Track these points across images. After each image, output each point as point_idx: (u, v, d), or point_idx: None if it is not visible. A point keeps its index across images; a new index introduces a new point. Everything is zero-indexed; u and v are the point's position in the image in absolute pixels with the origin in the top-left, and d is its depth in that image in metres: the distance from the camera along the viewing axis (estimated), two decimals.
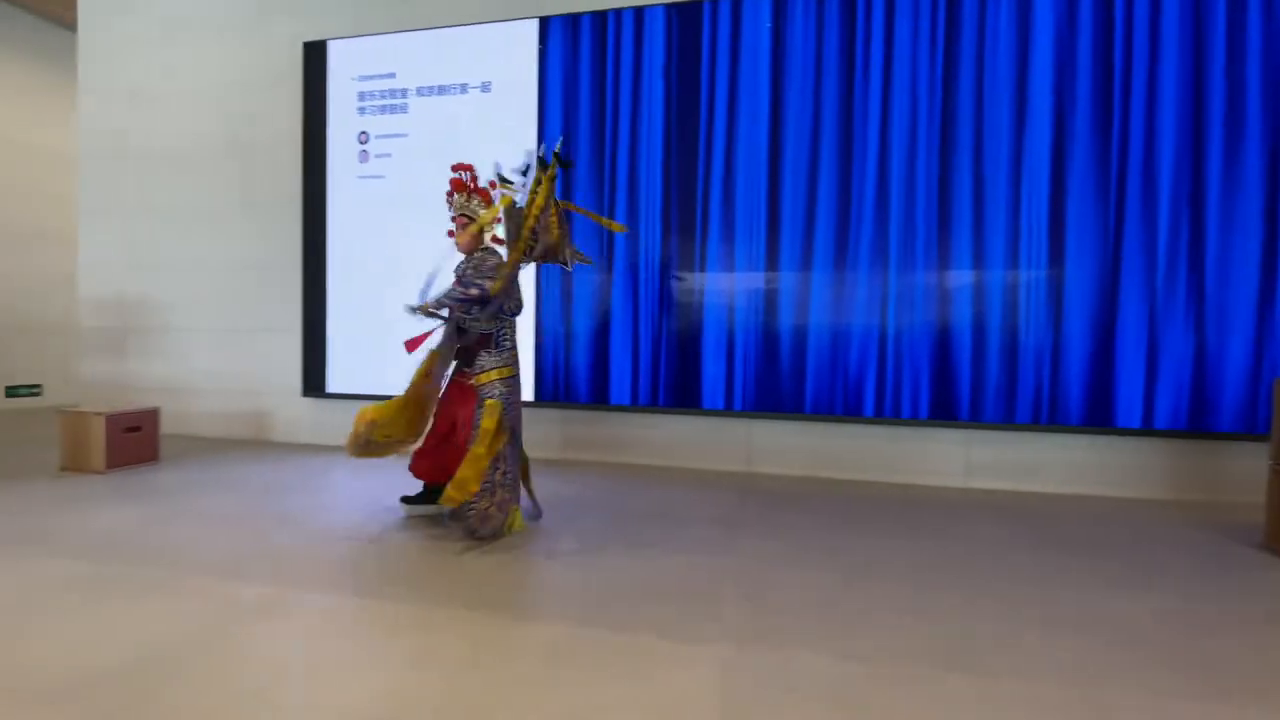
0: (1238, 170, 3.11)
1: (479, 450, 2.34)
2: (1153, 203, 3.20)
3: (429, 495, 2.69)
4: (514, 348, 2.54)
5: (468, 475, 2.31)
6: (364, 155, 4.25)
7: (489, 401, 2.41)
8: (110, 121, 4.87)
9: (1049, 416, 3.30)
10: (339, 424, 4.35)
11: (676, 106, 3.75)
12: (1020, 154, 3.32)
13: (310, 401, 4.41)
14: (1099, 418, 3.25)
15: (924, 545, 2.43)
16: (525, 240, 2.46)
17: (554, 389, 3.93)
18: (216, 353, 4.63)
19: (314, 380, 4.35)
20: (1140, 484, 3.27)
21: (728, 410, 3.69)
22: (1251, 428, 3.08)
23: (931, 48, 3.42)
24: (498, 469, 2.39)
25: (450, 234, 2.67)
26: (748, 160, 3.66)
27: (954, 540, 2.50)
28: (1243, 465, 3.11)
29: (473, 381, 2.48)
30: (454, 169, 2.62)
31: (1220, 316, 3.13)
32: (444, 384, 2.63)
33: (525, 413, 4.13)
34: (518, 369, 2.54)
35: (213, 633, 1.65)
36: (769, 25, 3.61)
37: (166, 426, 4.51)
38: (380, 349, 4.20)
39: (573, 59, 3.88)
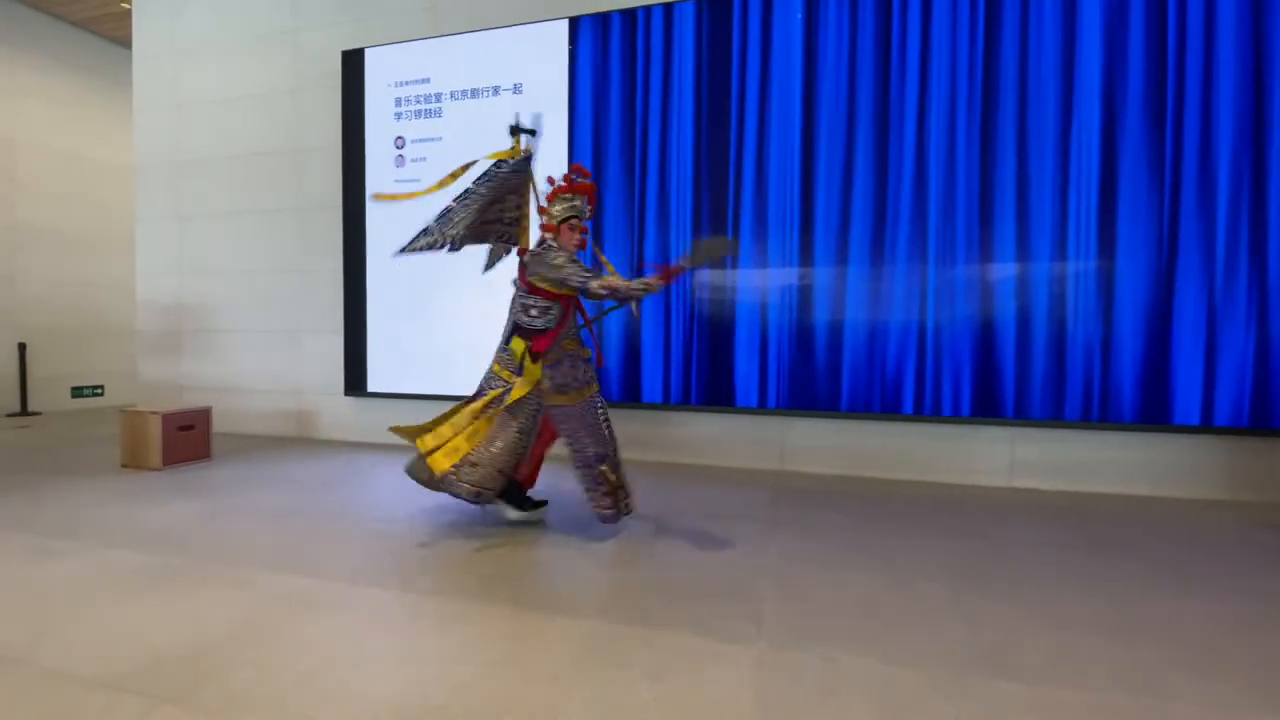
0: None
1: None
2: (1210, 188, 3.04)
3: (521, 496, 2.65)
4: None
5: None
6: (400, 160, 4.34)
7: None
8: (163, 133, 5.08)
9: (1099, 414, 3.17)
10: (380, 422, 4.47)
11: (707, 101, 3.72)
12: (1067, 140, 3.19)
13: (352, 400, 4.53)
14: (1154, 415, 3.11)
15: (967, 546, 2.37)
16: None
17: None
18: (264, 354, 4.80)
19: (355, 380, 4.47)
20: (1199, 484, 3.12)
21: (761, 408, 3.65)
22: None
23: (971, 31, 3.31)
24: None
25: (551, 229, 2.44)
26: (780, 154, 3.60)
27: (998, 542, 2.43)
28: None
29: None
30: (576, 171, 2.46)
31: None
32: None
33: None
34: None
35: (266, 622, 1.71)
36: (800, 16, 3.56)
37: (218, 425, 4.70)
38: (417, 349, 4.29)
39: (602, 57, 3.89)
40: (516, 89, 4.07)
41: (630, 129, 3.85)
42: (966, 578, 2.06)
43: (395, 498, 3.00)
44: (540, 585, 1.98)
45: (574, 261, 2.34)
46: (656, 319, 3.82)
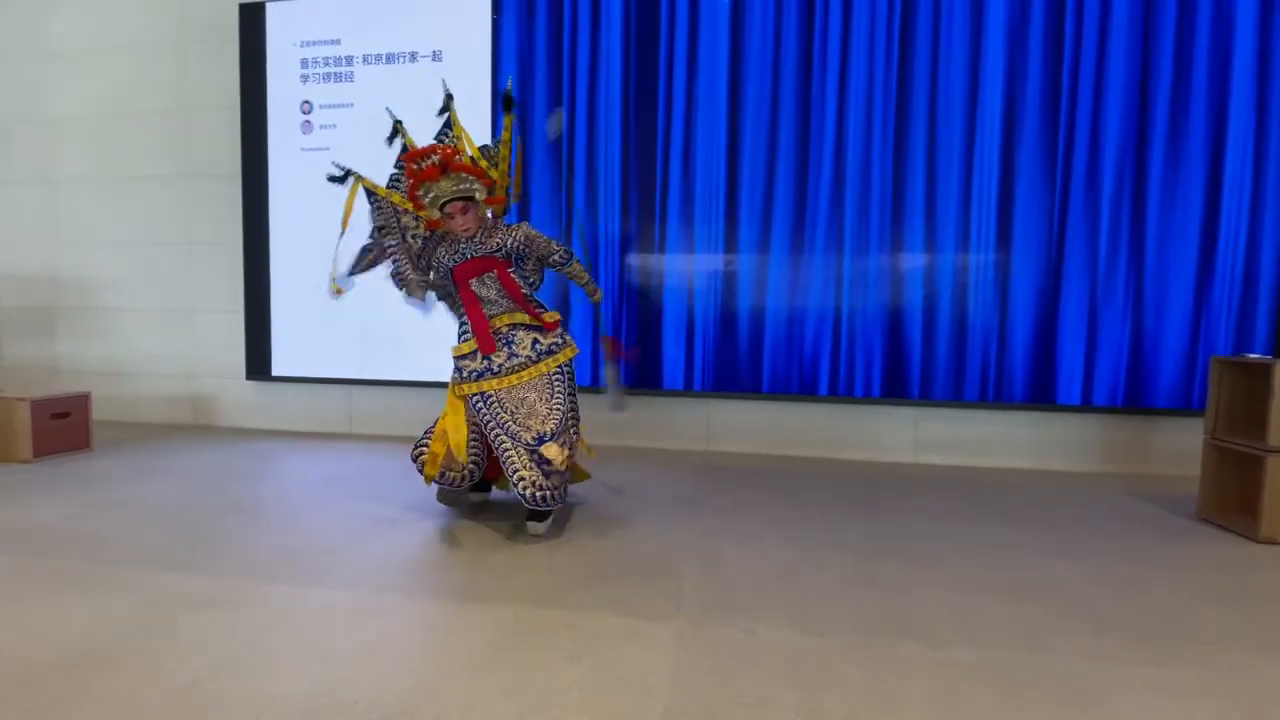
0: (1180, 158, 3.22)
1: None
2: (1096, 188, 3.30)
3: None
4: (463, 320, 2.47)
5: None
6: (307, 126, 4.05)
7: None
8: (27, 86, 4.51)
9: (995, 394, 3.42)
10: (285, 408, 4.20)
11: (635, 83, 3.68)
12: (972, 143, 3.38)
13: (255, 385, 4.24)
14: (1041, 395, 3.38)
15: (876, 519, 2.50)
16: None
17: None
18: (152, 334, 4.40)
19: (258, 362, 4.17)
20: (1080, 458, 3.42)
21: (688, 390, 3.71)
22: (1187, 404, 3.24)
23: (888, 38, 3.44)
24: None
25: (431, 224, 2.44)
26: (706, 140, 3.63)
27: (905, 514, 2.58)
28: (1177, 440, 3.26)
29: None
30: (412, 158, 2.36)
31: (1159, 298, 3.27)
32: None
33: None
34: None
35: (150, 625, 1.57)
36: (728, 4, 3.57)
37: (101, 412, 4.27)
38: (326, 328, 4.05)
39: (528, 29, 3.77)
40: (436, 56, 3.88)
41: (557, 105, 3.76)
42: (875, 548, 2.18)
43: (302, 490, 2.84)
44: (457, 575, 1.93)
45: None
46: (584, 303, 3.78)
